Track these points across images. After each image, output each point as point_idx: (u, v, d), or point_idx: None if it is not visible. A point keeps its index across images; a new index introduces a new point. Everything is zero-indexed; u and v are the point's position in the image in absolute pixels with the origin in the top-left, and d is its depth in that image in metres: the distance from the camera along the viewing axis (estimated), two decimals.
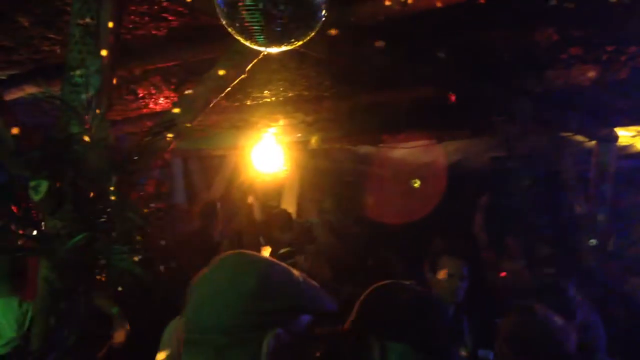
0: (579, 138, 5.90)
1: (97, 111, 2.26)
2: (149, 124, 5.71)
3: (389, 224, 6.88)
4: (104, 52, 2.47)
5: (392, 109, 5.73)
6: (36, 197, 2.34)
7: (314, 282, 1.27)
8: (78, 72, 2.47)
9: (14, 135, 2.35)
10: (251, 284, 1.14)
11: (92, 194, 2.34)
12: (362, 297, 1.46)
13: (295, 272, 1.24)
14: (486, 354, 2.96)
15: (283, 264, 1.25)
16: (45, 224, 2.42)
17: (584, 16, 3.46)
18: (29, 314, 2.42)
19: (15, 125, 2.41)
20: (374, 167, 7.52)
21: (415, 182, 5.81)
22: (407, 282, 1.50)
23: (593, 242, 5.32)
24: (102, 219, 2.33)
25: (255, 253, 1.27)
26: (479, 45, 4.06)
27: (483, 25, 3.68)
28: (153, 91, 5.43)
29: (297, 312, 1.19)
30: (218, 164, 8.40)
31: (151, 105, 6.01)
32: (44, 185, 2.31)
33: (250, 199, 6.93)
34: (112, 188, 2.23)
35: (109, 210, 2.34)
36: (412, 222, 6.72)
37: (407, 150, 6.94)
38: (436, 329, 1.41)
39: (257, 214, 7.34)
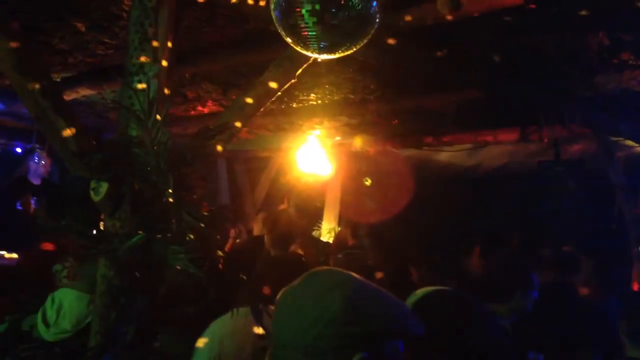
0: (629, 143, 5.78)
1: (157, 115, 2.33)
2: (195, 126, 5.84)
3: (431, 227, 6.85)
4: (161, 59, 2.55)
5: (437, 111, 5.73)
6: (96, 198, 2.43)
7: (404, 305, 1.24)
8: (137, 77, 2.55)
9: (76, 137, 2.43)
10: (336, 307, 1.12)
11: (149, 196, 2.42)
12: (413, 301, 1.47)
13: (386, 294, 1.22)
14: (536, 357, 2.92)
15: (374, 285, 1.22)
16: (104, 224, 2.51)
17: (635, 21, 3.41)
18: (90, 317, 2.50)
19: (76, 127, 2.50)
20: (417, 169, 7.50)
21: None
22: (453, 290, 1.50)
23: None
24: (159, 220, 2.40)
25: (345, 272, 1.24)
26: (528, 48, 4.03)
27: (532, 29, 3.66)
28: (202, 94, 5.55)
29: (385, 336, 1.16)
30: (262, 166, 8.50)
31: (199, 108, 6.15)
32: (104, 187, 2.40)
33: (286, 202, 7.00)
34: (170, 190, 2.31)
35: (165, 211, 2.41)
36: (456, 226, 6.67)
37: (452, 153, 6.90)
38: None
39: (297, 216, 7.41)
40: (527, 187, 6.52)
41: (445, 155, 7.06)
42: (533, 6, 3.07)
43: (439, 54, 3.63)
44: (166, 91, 2.54)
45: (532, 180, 6.49)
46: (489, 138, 6.20)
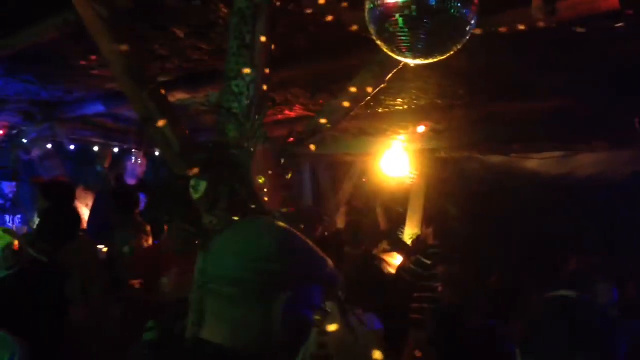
0: None
1: (257, 117, 2.45)
2: (281, 130, 5.99)
3: (517, 237, 6.71)
4: (259, 64, 2.66)
5: (526, 118, 5.61)
6: (196, 196, 2.57)
7: (324, 255, 1.35)
8: (235, 81, 2.68)
9: (179, 138, 2.59)
10: (269, 247, 1.24)
11: (244, 194, 2.53)
12: (528, 310, 1.51)
13: (312, 246, 1.33)
14: None
15: (302, 235, 1.33)
16: (202, 221, 2.65)
17: None
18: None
19: (179, 129, 2.66)
20: (504, 177, 7.35)
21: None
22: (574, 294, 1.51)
23: None
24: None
25: (280, 222, 1.37)
26: (621, 54, 3.90)
27: (630, 36, 3.54)
28: (290, 98, 5.68)
29: (307, 279, 1.27)
30: (346, 170, 8.57)
31: (286, 112, 6.29)
32: (203, 185, 2.54)
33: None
34: (265, 190, 2.41)
35: (259, 209, 2.52)
36: (543, 237, 6.50)
37: (541, 161, 6.72)
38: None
39: (382, 220, 7.43)
40: (621, 197, 6.26)
41: (533, 163, 6.89)
42: (630, 12, 2.98)
43: (532, 59, 3.56)
44: (264, 94, 2.65)
45: (626, 190, 6.24)
46: (581, 146, 6.01)
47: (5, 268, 3.09)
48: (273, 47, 2.92)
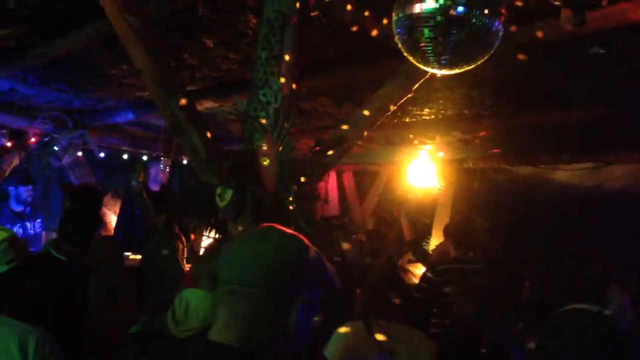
0: None
1: (283, 127, 2.47)
2: (307, 139, 6.02)
3: (545, 249, 6.61)
4: (286, 74, 2.69)
5: (556, 128, 5.54)
6: (221, 204, 2.60)
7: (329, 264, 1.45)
8: (262, 90, 2.71)
9: (206, 146, 2.62)
10: (292, 255, 1.34)
11: (270, 203, 2.55)
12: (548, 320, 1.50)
13: (320, 255, 1.43)
14: None
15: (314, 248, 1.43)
16: (227, 228, 2.68)
17: None
18: None
19: (207, 137, 2.69)
20: (533, 188, 7.27)
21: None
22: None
23: None
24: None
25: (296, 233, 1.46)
26: None
27: None
28: (317, 107, 5.71)
29: (318, 285, 1.39)
30: (371, 179, 8.56)
31: (313, 121, 6.31)
32: (229, 193, 2.57)
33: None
34: (290, 198, 2.43)
35: (284, 218, 2.53)
36: (571, 249, 6.40)
37: (571, 173, 6.63)
38: None
39: (407, 231, 7.38)
40: None
41: (563, 174, 6.80)
42: None
43: (563, 69, 3.53)
44: (291, 103, 2.67)
45: None
46: (612, 158, 5.92)
47: (6, 262, 3.14)
48: (300, 57, 2.94)
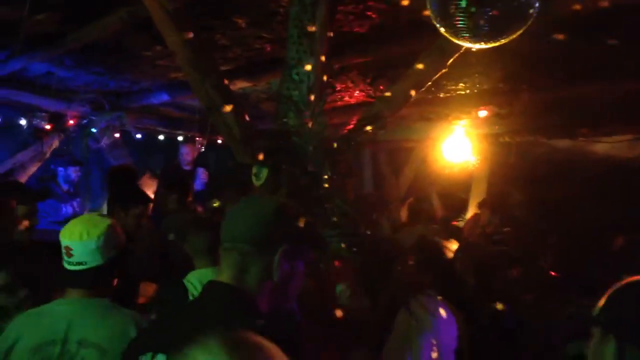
0: None
1: (317, 105, 2.47)
2: (340, 117, 5.99)
3: (584, 223, 6.49)
4: (319, 52, 2.68)
5: (594, 101, 5.42)
6: (257, 183, 2.62)
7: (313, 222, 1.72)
8: (295, 70, 2.70)
9: (241, 127, 2.64)
10: (269, 216, 1.60)
11: (305, 181, 2.57)
12: (611, 291, 1.49)
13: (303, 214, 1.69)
14: None
15: (293, 205, 1.71)
16: None
17: None
18: None
19: (242, 117, 2.71)
20: (571, 161, 7.12)
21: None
22: None
23: None
24: (314, 204, 2.54)
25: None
26: None
27: None
28: (350, 85, 5.68)
29: (299, 239, 1.63)
30: (406, 156, 8.50)
31: (346, 99, 6.29)
32: (264, 172, 2.59)
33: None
34: (325, 177, 2.43)
35: (319, 196, 2.54)
36: (611, 222, 6.27)
37: (610, 145, 6.48)
38: None
39: (437, 207, 7.31)
40: None
41: (601, 147, 6.65)
42: None
43: (601, 42, 3.43)
44: (323, 81, 2.67)
45: None
46: None
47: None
48: (332, 34, 2.92)
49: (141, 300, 3.78)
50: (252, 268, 1.57)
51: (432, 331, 2.70)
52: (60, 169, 6.49)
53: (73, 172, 6.46)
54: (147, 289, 3.93)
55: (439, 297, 2.87)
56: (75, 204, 6.47)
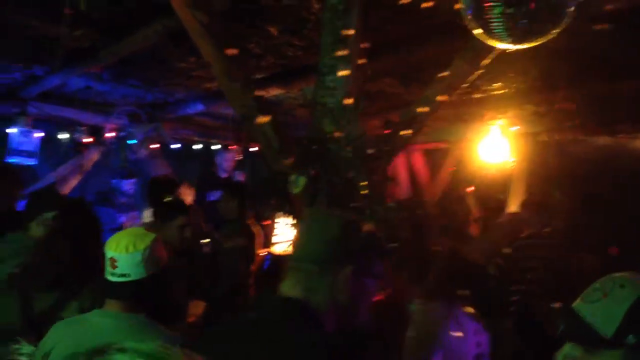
0: None
1: (352, 111, 2.47)
2: (374, 121, 5.97)
3: (627, 220, 6.33)
4: (352, 58, 2.67)
5: (634, 96, 5.29)
6: (295, 190, 2.63)
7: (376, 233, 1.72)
8: (329, 76, 2.70)
9: (277, 135, 2.65)
10: (337, 232, 1.60)
11: (343, 188, 2.56)
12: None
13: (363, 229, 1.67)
14: None
15: (356, 221, 1.69)
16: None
17: None
18: None
19: (277, 126, 2.72)
20: (611, 159, 6.95)
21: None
22: None
23: None
24: (353, 211, 2.53)
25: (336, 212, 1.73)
26: None
27: None
28: (384, 89, 5.65)
29: (366, 254, 1.62)
30: (441, 157, 8.42)
31: (379, 103, 6.26)
32: (302, 180, 2.59)
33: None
34: (363, 183, 2.43)
35: (358, 202, 2.54)
36: None
37: None
38: None
39: (473, 208, 7.20)
40: None
41: None
42: None
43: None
44: (359, 87, 2.66)
45: None
46: None
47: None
48: (365, 39, 2.92)
49: (191, 319, 3.81)
50: (319, 287, 1.56)
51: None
52: (115, 181, 6.73)
53: (127, 185, 6.66)
54: (197, 308, 3.98)
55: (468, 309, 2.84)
56: (135, 214, 6.64)
